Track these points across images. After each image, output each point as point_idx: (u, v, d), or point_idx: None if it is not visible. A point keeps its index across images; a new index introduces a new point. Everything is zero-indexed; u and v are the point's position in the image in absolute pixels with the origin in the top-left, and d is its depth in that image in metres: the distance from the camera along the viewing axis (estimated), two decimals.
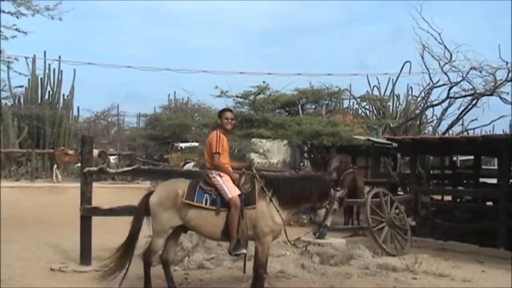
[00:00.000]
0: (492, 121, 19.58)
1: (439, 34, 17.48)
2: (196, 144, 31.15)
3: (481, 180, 17.64)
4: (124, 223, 9.10)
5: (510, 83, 16.90)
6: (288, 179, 8.16)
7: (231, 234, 7.09)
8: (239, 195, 7.16)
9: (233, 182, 7.30)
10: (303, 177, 8.68)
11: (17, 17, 16.02)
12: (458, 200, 16.99)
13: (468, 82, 17.46)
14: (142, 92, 79.03)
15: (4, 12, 15.78)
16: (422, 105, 21.35)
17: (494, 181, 16.80)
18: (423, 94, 20.52)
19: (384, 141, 16.39)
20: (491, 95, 17.35)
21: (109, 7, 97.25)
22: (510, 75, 16.64)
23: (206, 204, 7.22)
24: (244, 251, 7.20)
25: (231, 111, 8.06)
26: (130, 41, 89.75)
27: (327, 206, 7.49)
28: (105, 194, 14.94)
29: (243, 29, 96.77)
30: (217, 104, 30.21)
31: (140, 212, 7.64)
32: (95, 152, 18.40)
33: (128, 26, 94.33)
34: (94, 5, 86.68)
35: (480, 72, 17.16)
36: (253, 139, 24.37)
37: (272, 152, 28.59)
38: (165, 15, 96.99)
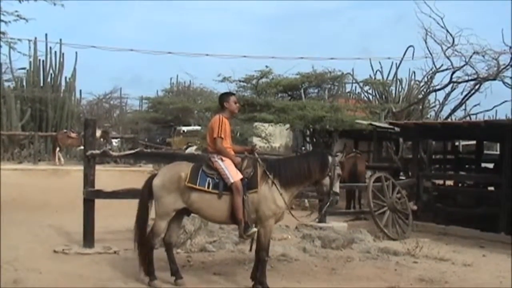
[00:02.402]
0: (495, 106, 19.69)
1: (441, 19, 17.45)
2: (198, 127, 31.20)
3: (483, 165, 17.67)
4: (127, 206, 9.15)
5: None
6: (287, 160, 8.20)
7: (237, 217, 7.11)
8: (241, 179, 7.19)
9: (235, 166, 7.32)
10: (300, 156, 8.71)
11: (19, 1, 15.97)
12: (460, 185, 17.03)
13: (471, 66, 17.49)
14: (146, 76, 78.93)
15: None
16: (425, 89, 21.40)
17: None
18: (426, 79, 20.60)
19: (386, 125, 16.39)
20: (494, 79, 17.36)
21: None
22: None
23: (208, 187, 7.24)
24: (254, 229, 7.22)
25: (234, 94, 8.08)
26: (135, 25, 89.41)
27: (330, 174, 7.51)
28: (107, 177, 14.98)
29: (249, 14, 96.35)
30: (219, 88, 30.07)
31: (145, 196, 7.67)
32: (98, 133, 18.41)
33: (133, 10, 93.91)
34: None
35: (483, 56, 17.18)
36: (256, 123, 24.36)
37: (274, 136, 28.60)
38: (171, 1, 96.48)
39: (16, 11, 16.13)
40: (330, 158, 7.53)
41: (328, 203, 7.78)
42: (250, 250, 7.75)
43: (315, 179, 7.57)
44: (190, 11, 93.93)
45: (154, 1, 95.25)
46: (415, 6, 17.70)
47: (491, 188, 15.64)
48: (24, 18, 16.38)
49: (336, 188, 7.54)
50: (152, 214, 7.75)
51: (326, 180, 7.49)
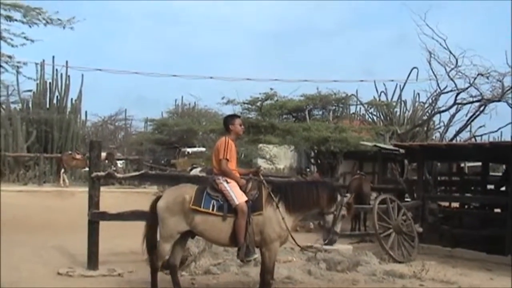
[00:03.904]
0: (500, 128, 19.57)
1: (444, 40, 17.49)
2: (203, 149, 31.23)
3: (489, 187, 17.58)
4: (131, 228, 9.15)
5: None
6: (295, 184, 8.19)
7: (238, 241, 7.11)
8: (246, 201, 7.17)
9: (240, 188, 7.31)
10: (310, 182, 8.69)
11: (30, 26, 16.14)
12: (466, 206, 16.94)
13: (475, 88, 17.44)
14: (151, 97, 79.07)
15: (16, 20, 15.90)
16: (429, 111, 21.35)
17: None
18: (430, 100, 20.54)
19: (391, 147, 16.36)
20: (499, 101, 17.32)
21: (119, 10, 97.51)
22: None
23: (213, 210, 7.23)
24: (255, 255, 7.24)
25: (239, 117, 8.12)
26: (140, 44, 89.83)
27: (335, 213, 7.48)
28: (112, 198, 14.97)
29: (251, 32, 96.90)
30: (224, 110, 30.23)
31: (150, 218, 7.67)
32: (102, 155, 18.47)
33: (138, 29, 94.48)
34: (104, 8, 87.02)
35: (487, 78, 17.15)
36: (260, 145, 24.39)
37: (279, 158, 28.57)
38: (175, 18, 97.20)
39: (23, 33, 16.25)
40: (339, 196, 7.53)
41: (327, 241, 7.76)
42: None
43: (320, 209, 7.55)
44: (195, 31, 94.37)
45: (160, 21, 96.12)
46: (417, 28, 17.71)
47: (497, 210, 15.54)
48: (30, 40, 16.49)
49: (338, 228, 7.54)
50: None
51: (330, 217, 7.48)
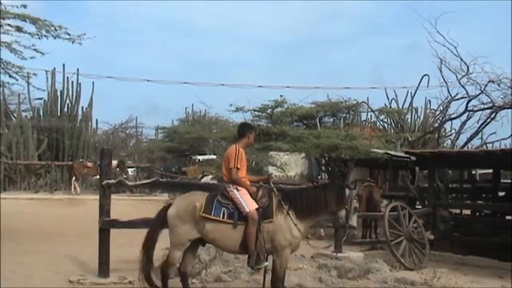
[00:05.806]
0: (511, 135, 19.45)
1: (455, 47, 17.44)
2: (213, 156, 31.29)
3: (500, 194, 17.50)
4: (142, 236, 9.16)
5: None
6: (304, 190, 8.17)
7: (249, 248, 7.11)
8: (256, 209, 7.18)
9: (251, 195, 7.31)
10: (317, 186, 8.67)
11: (39, 38, 16.12)
12: (477, 214, 16.86)
13: (486, 95, 17.35)
14: (162, 105, 79.35)
15: (25, 32, 15.91)
16: (440, 118, 21.29)
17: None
18: (441, 108, 20.48)
19: (402, 154, 16.32)
20: (510, 108, 17.23)
21: (129, 20, 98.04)
22: None
23: (223, 217, 7.25)
24: (266, 263, 7.25)
25: (255, 129, 8.18)
26: (150, 54, 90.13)
27: (346, 207, 7.46)
28: (123, 206, 15.03)
29: (262, 42, 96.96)
30: (234, 117, 30.21)
31: (156, 225, 7.71)
32: (114, 163, 18.53)
33: (148, 39, 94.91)
34: (116, 18, 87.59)
35: (499, 85, 17.05)
36: (271, 152, 24.38)
37: (290, 165, 28.55)
38: (187, 29, 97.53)
39: (33, 45, 16.23)
40: (347, 191, 7.50)
41: (345, 237, 7.72)
42: (263, 287, 7.72)
43: (331, 211, 7.53)
44: (206, 40, 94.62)
45: (170, 30, 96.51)
46: (428, 35, 17.66)
47: (508, 217, 15.45)
48: (40, 52, 16.47)
49: (353, 221, 7.49)
50: (166, 243, 7.76)
51: (342, 213, 7.45)
